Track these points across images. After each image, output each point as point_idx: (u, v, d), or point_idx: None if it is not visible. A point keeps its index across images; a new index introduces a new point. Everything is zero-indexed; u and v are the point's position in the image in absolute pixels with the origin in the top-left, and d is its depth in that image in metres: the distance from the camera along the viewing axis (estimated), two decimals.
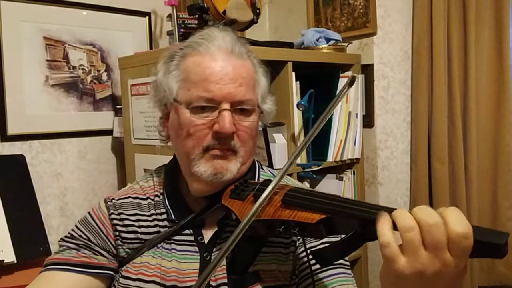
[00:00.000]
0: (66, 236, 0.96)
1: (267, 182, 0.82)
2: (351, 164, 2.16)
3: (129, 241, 0.93)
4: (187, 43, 0.92)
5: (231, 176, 0.88)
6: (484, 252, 0.57)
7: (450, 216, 0.57)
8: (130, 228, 0.93)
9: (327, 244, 0.70)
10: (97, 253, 0.92)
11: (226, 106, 0.85)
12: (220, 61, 0.87)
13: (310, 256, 0.86)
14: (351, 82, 0.77)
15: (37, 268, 1.54)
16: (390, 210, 0.61)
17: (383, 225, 0.59)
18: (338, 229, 0.69)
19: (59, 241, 0.96)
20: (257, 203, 0.68)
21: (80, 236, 0.94)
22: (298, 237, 0.91)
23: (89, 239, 0.93)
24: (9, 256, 1.51)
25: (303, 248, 0.90)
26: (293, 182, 1.04)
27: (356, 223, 0.65)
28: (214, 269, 0.62)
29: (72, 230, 0.97)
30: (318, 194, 0.74)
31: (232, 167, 0.88)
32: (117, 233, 0.93)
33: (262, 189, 0.79)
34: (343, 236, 0.67)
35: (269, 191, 0.69)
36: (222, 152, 0.87)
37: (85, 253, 0.92)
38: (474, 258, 1.50)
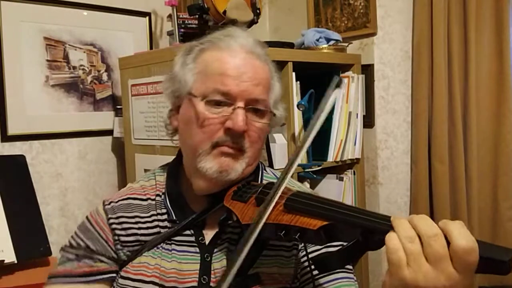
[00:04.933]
0: (66, 246, 0.96)
1: (270, 185, 0.81)
2: (351, 164, 2.16)
3: (129, 244, 0.93)
4: (208, 38, 0.92)
5: (235, 176, 0.87)
6: (488, 268, 0.56)
7: (454, 230, 0.56)
8: (130, 231, 0.93)
9: (328, 251, 0.70)
10: (97, 260, 0.92)
11: (240, 104, 0.85)
12: (239, 58, 0.87)
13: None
14: (337, 85, 0.77)
15: (37, 268, 1.56)
16: (390, 218, 0.61)
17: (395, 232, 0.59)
18: (339, 236, 0.69)
19: (60, 251, 0.96)
20: (266, 210, 0.69)
21: (79, 245, 0.94)
22: (300, 243, 0.91)
23: (88, 247, 0.93)
24: (9, 256, 1.51)
25: (304, 252, 0.89)
26: (296, 184, 1.03)
27: (358, 231, 0.65)
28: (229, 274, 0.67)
29: (72, 237, 0.96)
30: (321, 199, 0.73)
31: (238, 167, 0.87)
32: (116, 237, 0.93)
33: (264, 192, 0.78)
34: (344, 243, 0.67)
35: (273, 196, 0.71)
36: (231, 149, 0.87)
37: (85, 262, 0.92)
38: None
